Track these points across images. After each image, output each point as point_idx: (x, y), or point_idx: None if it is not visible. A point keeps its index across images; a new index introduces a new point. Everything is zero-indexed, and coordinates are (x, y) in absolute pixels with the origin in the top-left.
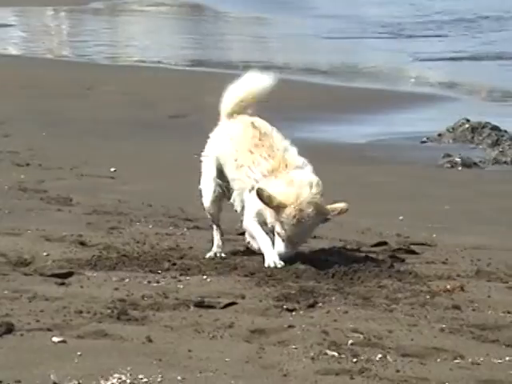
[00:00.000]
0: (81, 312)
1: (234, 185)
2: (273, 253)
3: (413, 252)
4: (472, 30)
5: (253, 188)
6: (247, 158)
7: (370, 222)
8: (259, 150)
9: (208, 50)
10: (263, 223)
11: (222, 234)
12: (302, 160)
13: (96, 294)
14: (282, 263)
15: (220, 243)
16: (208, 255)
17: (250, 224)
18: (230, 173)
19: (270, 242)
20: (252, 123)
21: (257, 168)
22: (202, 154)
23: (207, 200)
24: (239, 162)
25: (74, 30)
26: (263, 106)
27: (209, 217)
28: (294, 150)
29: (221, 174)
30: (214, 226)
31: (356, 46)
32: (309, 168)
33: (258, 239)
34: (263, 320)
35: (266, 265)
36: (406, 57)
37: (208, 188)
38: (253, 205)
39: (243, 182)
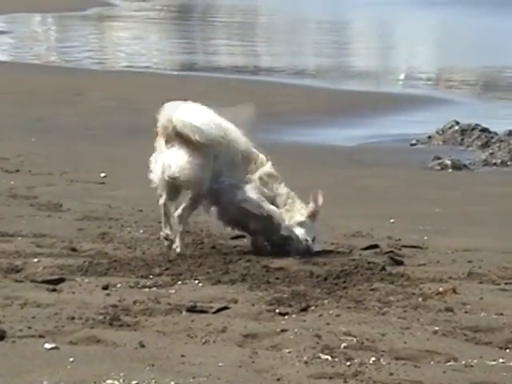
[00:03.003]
0: (73, 318)
1: None
2: None
3: (402, 256)
4: None
5: None
6: None
7: (361, 224)
8: None
9: (196, 55)
10: None
11: None
12: None
13: (88, 300)
14: None
15: None
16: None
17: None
18: None
19: None
20: None
21: None
22: None
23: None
24: None
25: (62, 35)
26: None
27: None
28: None
29: None
30: None
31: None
32: None
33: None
34: (256, 324)
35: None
36: None
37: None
38: None
39: None
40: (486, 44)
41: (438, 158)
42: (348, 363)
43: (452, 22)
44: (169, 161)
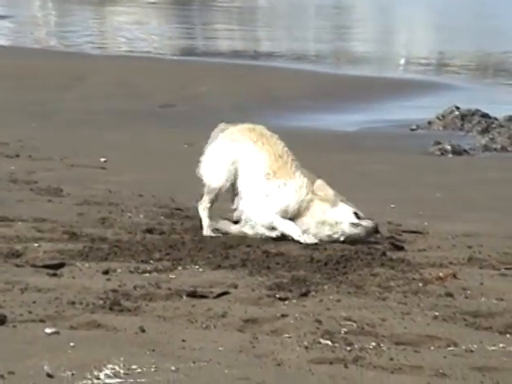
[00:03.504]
0: (73, 303)
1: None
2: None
3: (403, 241)
4: None
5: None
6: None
7: (362, 210)
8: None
9: (196, 40)
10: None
11: None
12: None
13: (88, 285)
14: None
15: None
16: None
17: (273, 218)
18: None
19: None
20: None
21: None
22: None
23: (222, 176)
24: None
25: (62, 20)
26: (254, 97)
27: (212, 195)
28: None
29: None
30: (209, 205)
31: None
32: None
33: (287, 228)
34: (256, 309)
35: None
36: None
37: (224, 167)
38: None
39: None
40: (487, 28)
41: (438, 143)
42: (348, 348)
43: (453, 5)
44: None
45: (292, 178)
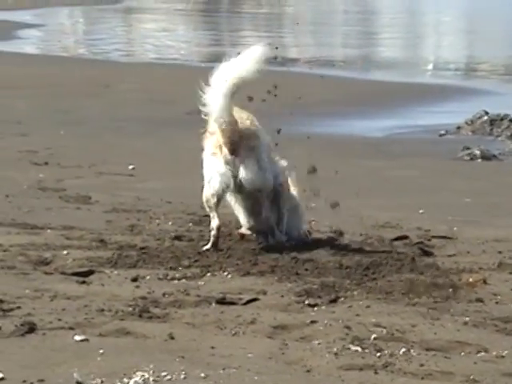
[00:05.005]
0: (102, 310)
1: None
2: None
3: (432, 246)
4: None
5: None
6: None
7: (390, 215)
8: None
9: (223, 46)
10: None
11: None
12: None
13: (117, 292)
14: None
15: None
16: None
17: None
18: None
19: None
20: None
21: None
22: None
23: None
24: None
25: (90, 28)
26: (281, 103)
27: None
28: None
29: None
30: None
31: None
32: None
33: None
34: (285, 316)
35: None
36: None
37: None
38: None
39: None
40: None
41: (467, 149)
42: (378, 354)
43: (481, 10)
44: (241, 173)
45: None
